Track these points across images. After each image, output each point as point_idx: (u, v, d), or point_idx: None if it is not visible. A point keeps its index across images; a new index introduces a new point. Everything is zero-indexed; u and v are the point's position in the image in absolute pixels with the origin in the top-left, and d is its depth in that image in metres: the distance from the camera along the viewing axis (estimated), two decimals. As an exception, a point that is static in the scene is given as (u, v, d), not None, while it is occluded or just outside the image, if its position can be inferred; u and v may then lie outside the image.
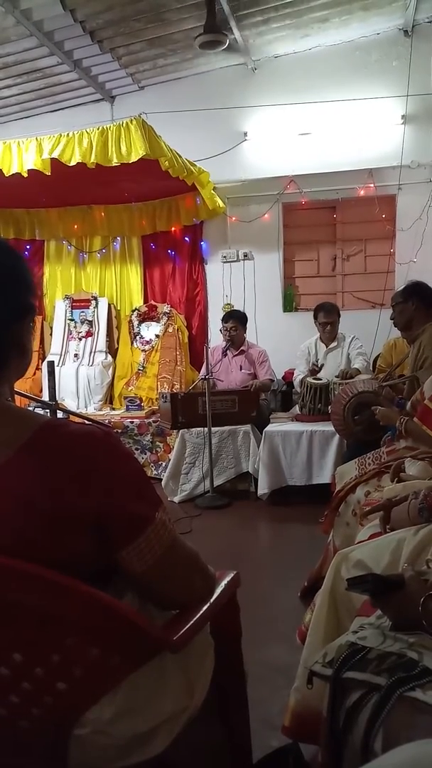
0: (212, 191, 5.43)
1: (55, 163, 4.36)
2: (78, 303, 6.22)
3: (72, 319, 6.18)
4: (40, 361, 5.96)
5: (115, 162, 4.29)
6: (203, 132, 5.65)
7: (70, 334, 6.17)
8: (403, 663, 1.01)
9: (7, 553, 0.90)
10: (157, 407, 5.30)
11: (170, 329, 5.93)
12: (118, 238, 6.33)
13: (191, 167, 4.91)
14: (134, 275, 6.34)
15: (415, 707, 0.93)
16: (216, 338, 5.64)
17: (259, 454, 4.29)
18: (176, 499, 4.54)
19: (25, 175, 4.43)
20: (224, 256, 5.94)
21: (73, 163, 4.30)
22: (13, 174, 4.44)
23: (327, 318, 4.79)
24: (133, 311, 6.13)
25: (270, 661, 2.19)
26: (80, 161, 4.29)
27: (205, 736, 1.21)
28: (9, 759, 1.05)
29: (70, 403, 5.79)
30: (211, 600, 1.16)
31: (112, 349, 6.16)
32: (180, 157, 4.72)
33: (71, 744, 0.98)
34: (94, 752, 0.99)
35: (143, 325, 6.07)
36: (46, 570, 0.90)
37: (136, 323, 6.08)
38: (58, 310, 6.24)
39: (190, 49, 5.23)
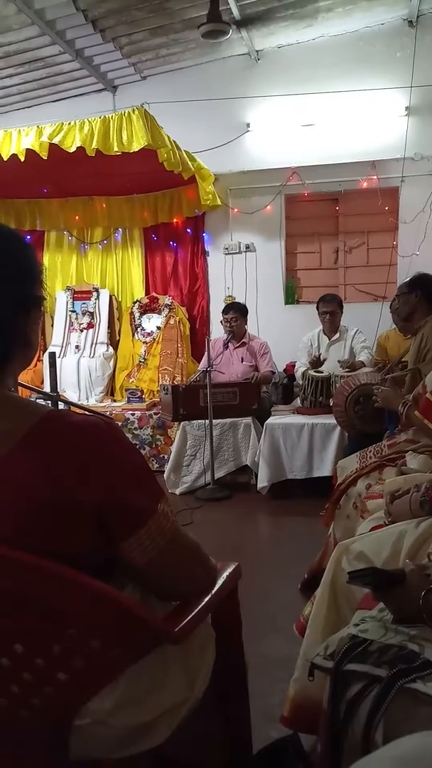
0: (212, 185, 5.40)
1: (54, 148, 4.32)
2: (79, 294, 6.21)
3: (73, 311, 6.17)
4: (42, 352, 5.96)
5: (115, 150, 4.26)
6: (206, 123, 5.63)
7: (72, 325, 6.16)
8: (404, 655, 1.01)
9: (9, 544, 0.89)
10: (158, 399, 5.29)
11: (171, 321, 5.92)
12: (120, 229, 6.32)
13: (190, 162, 4.87)
14: (136, 267, 6.33)
15: (416, 699, 0.93)
16: (217, 330, 5.63)
17: (260, 447, 4.29)
18: (177, 491, 4.54)
19: (22, 158, 4.39)
20: (226, 248, 5.93)
21: (73, 148, 4.27)
22: (11, 157, 4.41)
23: (326, 307, 4.79)
24: (135, 303, 6.12)
25: (270, 653, 2.20)
26: (80, 146, 4.26)
27: (205, 728, 1.21)
28: (10, 748, 1.05)
29: (72, 395, 5.79)
30: (213, 591, 1.16)
31: (113, 341, 6.15)
32: (179, 150, 4.69)
33: (72, 734, 0.99)
34: (94, 743, 1.00)
35: (144, 316, 6.06)
36: (47, 561, 0.90)
37: (137, 315, 6.07)
38: (59, 301, 6.23)
39: (192, 39, 5.19)
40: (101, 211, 6.23)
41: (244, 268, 5.89)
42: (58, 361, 4.40)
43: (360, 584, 1.19)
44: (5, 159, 4.44)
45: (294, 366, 5.07)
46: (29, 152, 4.38)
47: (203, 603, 1.11)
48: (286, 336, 5.38)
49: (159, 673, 1.04)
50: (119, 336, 6.18)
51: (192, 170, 4.90)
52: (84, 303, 6.17)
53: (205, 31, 4.63)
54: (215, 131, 5.61)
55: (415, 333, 3.27)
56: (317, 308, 4.87)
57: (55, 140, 4.28)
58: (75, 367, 5.92)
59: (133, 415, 5.16)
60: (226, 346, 5.05)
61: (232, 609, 1.33)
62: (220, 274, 5.97)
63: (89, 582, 0.93)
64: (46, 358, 5.41)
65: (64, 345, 6.09)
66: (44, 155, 4.33)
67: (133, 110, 4.29)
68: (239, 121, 5.69)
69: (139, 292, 6.26)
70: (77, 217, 6.26)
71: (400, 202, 5.50)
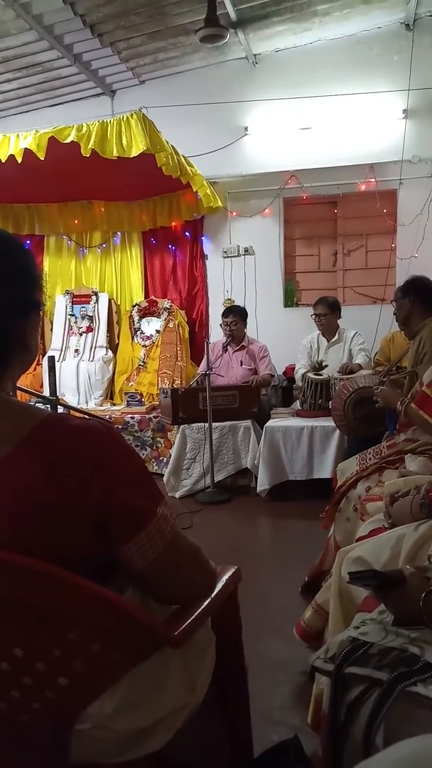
0: (207, 192, 5.40)
1: (52, 152, 4.30)
2: (78, 298, 6.21)
3: (72, 315, 6.18)
4: (41, 356, 5.95)
5: (114, 154, 4.26)
6: (204, 126, 5.65)
7: (71, 329, 6.17)
8: (404, 658, 1.00)
9: (8, 548, 0.90)
10: (157, 403, 5.29)
11: (171, 324, 5.93)
12: (119, 233, 6.33)
13: (188, 167, 4.88)
14: (135, 270, 6.34)
15: (416, 702, 0.93)
16: (216, 334, 5.63)
17: (260, 449, 4.29)
18: (177, 494, 4.54)
19: (20, 159, 4.37)
20: (225, 251, 5.93)
21: (68, 140, 4.25)
22: (11, 161, 4.39)
23: (317, 310, 4.81)
24: (134, 306, 6.12)
25: (270, 656, 2.20)
26: (74, 140, 4.25)
27: (206, 731, 1.21)
28: (11, 753, 1.05)
29: (71, 399, 5.79)
30: (212, 595, 1.16)
31: (112, 345, 6.16)
32: (177, 154, 4.69)
33: (72, 738, 0.99)
34: (95, 747, 0.99)
35: (144, 320, 6.06)
36: (47, 565, 0.90)
37: (136, 318, 6.08)
38: (58, 305, 6.23)
39: (190, 43, 5.21)
40: (100, 216, 6.24)
41: (243, 271, 5.90)
42: (57, 365, 4.39)
43: (360, 585, 1.19)
44: (3, 161, 4.43)
45: (293, 369, 5.07)
46: (28, 156, 4.36)
47: (203, 606, 1.11)
48: (285, 339, 5.38)
49: (159, 677, 1.04)
50: (118, 340, 6.18)
51: (190, 175, 4.90)
52: (83, 307, 6.18)
53: (203, 35, 4.64)
54: (213, 135, 5.63)
55: (413, 336, 3.28)
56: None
57: (50, 134, 4.26)
58: (74, 371, 5.92)
59: (132, 418, 5.16)
60: (225, 349, 5.06)
61: (232, 612, 1.33)
62: (219, 278, 5.98)
63: (90, 586, 0.93)
64: (45, 362, 5.40)
65: (64, 349, 6.10)
66: (41, 155, 4.29)
67: (132, 114, 4.28)
68: (237, 125, 5.70)
69: (138, 296, 6.27)
70: (76, 222, 6.28)
71: (398, 205, 5.51)
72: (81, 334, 6.12)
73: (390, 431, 2.94)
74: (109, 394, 6.03)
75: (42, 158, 4.33)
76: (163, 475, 4.65)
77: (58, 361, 5.54)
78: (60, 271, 6.46)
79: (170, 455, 4.72)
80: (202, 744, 1.25)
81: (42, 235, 6.39)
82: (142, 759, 1.01)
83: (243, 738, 1.41)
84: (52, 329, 6.23)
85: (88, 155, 4.29)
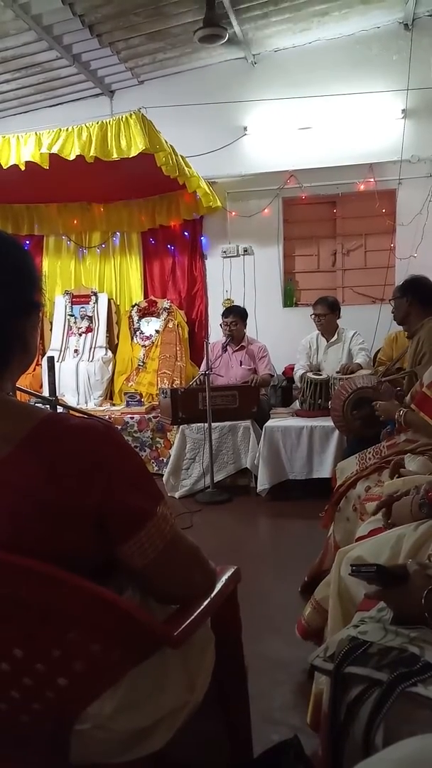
0: (206, 192, 5.39)
1: (53, 157, 4.33)
2: (78, 298, 6.21)
3: (72, 315, 6.18)
4: (40, 356, 5.95)
5: (114, 156, 4.27)
6: (203, 126, 5.65)
7: (70, 329, 6.16)
8: (404, 658, 1.00)
9: (8, 548, 0.89)
10: (157, 403, 5.29)
11: (170, 325, 5.93)
12: (118, 233, 6.33)
13: (186, 168, 4.88)
14: (134, 270, 6.34)
15: (416, 702, 0.93)
16: (216, 333, 5.63)
17: (259, 449, 4.29)
18: (177, 494, 4.54)
19: (23, 168, 4.40)
20: (224, 251, 5.93)
21: (72, 156, 4.28)
22: (11, 167, 4.41)
23: (316, 310, 4.80)
24: (133, 307, 6.12)
25: (270, 656, 2.20)
26: (79, 154, 4.27)
27: (205, 731, 1.21)
28: (10, 753, 1.05)
29: (70, 399, 5.79)
30: (212, 595, 1.15)
31: (112, 345, 6.15)
32: (176, 154, 4.70)
33: (72, 739, 0.98)
34: (95, 747, 0.99)
35: (143, 320, 6.06)
36: (47, 565, 0.90)
37: (135, 319, 6.07)
38: (57, 305, 6.23)
39: (189, 43, 5.22)
40: (99, 216, 6.24)
41: (242, 271, 5.90)
42: (56, 365, 4.40)
43: (362, 578, 1.19)
44: (5, 167, 4.45)
45: (293, 369, 5.07)
46: (29, 162, 4.39)
47: (203, 606, 1.11)
48: (284, 339, 5.38)
49: (159, 677, 1.04)
50: (118, 340, 6.18)
51: (186, 176, 4.90)
52: (83, 307, 6.18)
53: (202, 35, 4.64)
54: (213, 135, 5.63)
55: (412, 336, 3.28)
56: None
57: (54, 149, 4.28)
58: (74, 371, 5.92)
59: (132, 418, 5.16)
60: (225, 349, 5.06)
61: (231, 612, 1.33)
62: (219, 278, 5.98)
63: (89, 586, 0.93)
64: (44, 362, 5.41)
65: (63, 349, 6.10)
66: (45, 166, 4.35)
67: (131, 115, 4.28)
68: (236, 125, 5.70)
69: (138, 296, 6.26)
70: (75, 222, 6.28)
71: (397, 205, 5.51)
72: (80, 335, 6.12)
73: (391, 427, 2.94)
74: (109, 395, 6.03)
75: (46, 168, 4.36)
76: (162, 476, 4.65)
77: (57, 361, 5.54)
78: (59, 272, 6.46)
79: (170, 455, 4.71)
80: (202, 744, 1.24)
81: (41, 236, 6.39)
82: (142, 759, 1.01)
83: (243, 738, 1.41)
84: (51, 329, 6.23)
85: (92, 162, 4.31)
